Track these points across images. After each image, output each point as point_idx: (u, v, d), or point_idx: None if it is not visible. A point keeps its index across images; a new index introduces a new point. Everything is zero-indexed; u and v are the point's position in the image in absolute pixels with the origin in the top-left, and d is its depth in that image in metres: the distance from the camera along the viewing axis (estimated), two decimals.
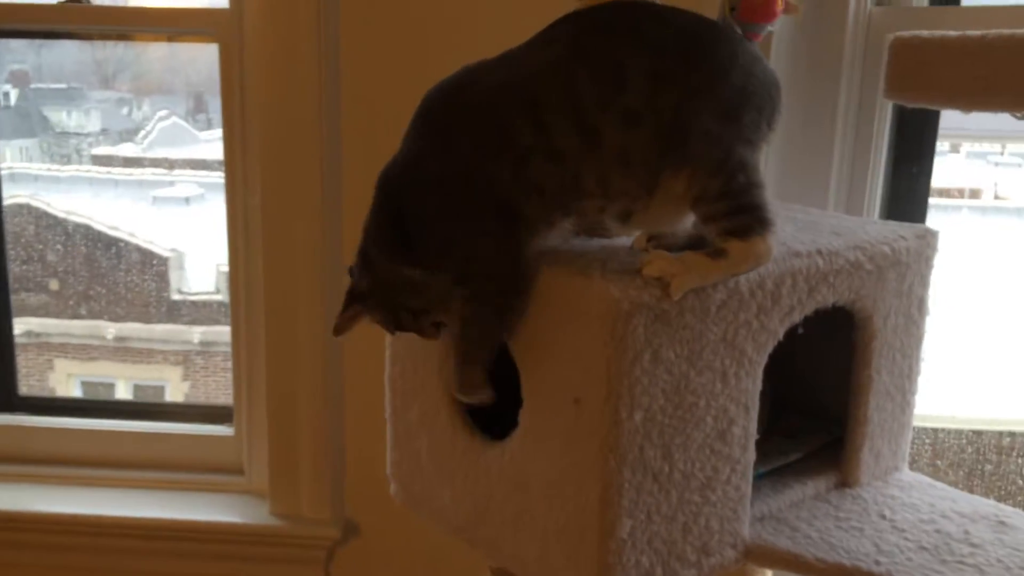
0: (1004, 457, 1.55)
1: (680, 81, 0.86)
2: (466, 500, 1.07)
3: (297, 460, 1.66)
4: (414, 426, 1.13)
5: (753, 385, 0.99)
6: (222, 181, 1.68)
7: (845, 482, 1.13)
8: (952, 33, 0.87)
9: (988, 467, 1.57)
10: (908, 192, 1.45)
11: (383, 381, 1.17)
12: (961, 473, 1.60)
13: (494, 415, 1.07)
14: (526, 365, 0.97)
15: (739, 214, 0.88)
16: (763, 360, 0.99)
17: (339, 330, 0.96)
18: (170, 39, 1.87)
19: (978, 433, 1.59)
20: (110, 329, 2.98)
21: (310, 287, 1.60)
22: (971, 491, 1.26)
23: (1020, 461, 1.53)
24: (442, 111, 0.91)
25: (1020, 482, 1.56)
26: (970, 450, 1.58)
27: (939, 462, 1.63)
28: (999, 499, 1.27)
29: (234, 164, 1.65)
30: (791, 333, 1.01)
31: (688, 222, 0.93)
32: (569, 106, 0.86)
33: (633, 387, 0.89)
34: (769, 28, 0.97)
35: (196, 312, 3.09)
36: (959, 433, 1.61)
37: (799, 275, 0.98)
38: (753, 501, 1.03)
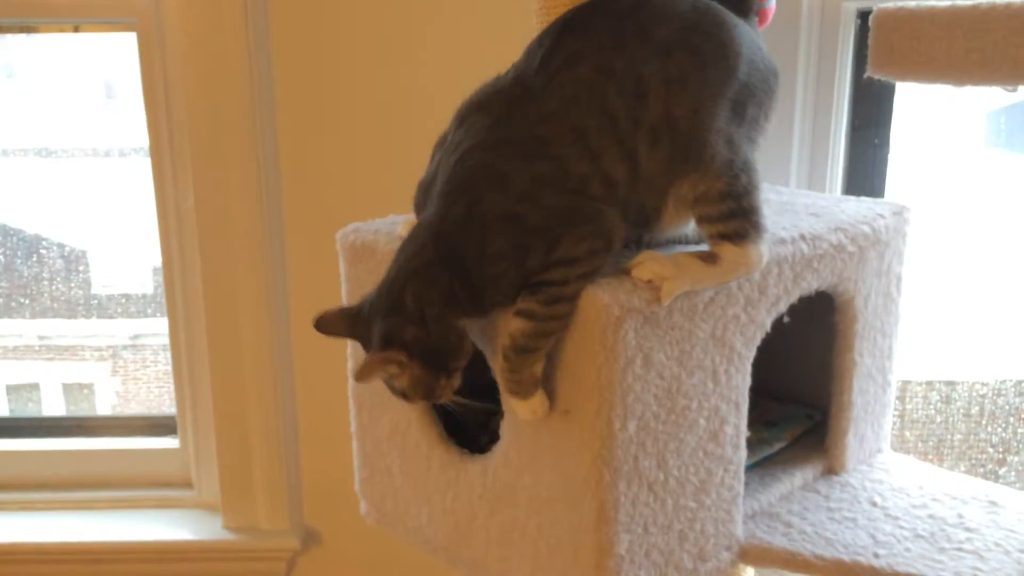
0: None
1: (691, 85, 0.82)
2: (446, 519, 1.01)
3: (249, 469, 1.57)
4: (384, 442, 1.06)
5: (743, 381, 0.95)
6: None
7: (832, 468, 1.10)
8: (940, 4, 0.82)
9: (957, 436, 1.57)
10: (868, 163, 1.42)
11: (336, 380, 1.09)
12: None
13: (468, 428, 1.02)
14: None
15: (737, 217, 0.84)
16: (752, 354, 0.95)
17: (365, 375, 0.85)
18: (79, 29, 1.74)
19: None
20: (30, 328, 2.86)
21: (253, 286, 1.51)
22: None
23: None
24: (484, 153, 0.84)
25: (990, 450, 1.56)
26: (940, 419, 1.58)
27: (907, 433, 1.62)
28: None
29: (161, 156, 1.54)
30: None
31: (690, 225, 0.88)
32: (611, 131, 0.82)
33: (626, 395, 0.84)
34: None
35: (115, 307, 2.97)
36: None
37: (785, 263, 0.94)
38: (743, 498, 0.99)
